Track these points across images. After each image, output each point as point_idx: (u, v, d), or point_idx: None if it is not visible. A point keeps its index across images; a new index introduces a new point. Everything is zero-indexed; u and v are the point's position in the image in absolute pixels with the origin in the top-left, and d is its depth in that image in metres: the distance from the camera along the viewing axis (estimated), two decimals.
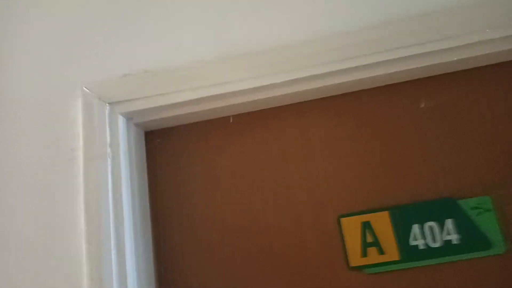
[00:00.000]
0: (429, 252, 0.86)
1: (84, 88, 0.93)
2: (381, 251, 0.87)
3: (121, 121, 0.93)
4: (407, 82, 0.94)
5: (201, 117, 0.98)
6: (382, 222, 0.88)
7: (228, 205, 0.94)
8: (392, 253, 0.86)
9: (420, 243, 0.86)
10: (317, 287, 0.86)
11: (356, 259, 0.87)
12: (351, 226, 0.89)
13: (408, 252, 0.86)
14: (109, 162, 0.88)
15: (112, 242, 0.83)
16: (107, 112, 0.92)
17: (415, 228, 0.87)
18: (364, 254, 0.87)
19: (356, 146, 0.95)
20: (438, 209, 0.88)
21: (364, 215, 0.89)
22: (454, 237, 0.86)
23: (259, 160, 0.96)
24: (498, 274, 0.83)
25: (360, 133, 0.95)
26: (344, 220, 0.89)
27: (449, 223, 0.87)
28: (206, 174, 0.96)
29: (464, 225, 0.86)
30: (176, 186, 0.97)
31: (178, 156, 0.98)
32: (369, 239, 0.88)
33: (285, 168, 0.95)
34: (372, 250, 0.87)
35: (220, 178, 0.96)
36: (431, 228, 0.87)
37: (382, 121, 0.95)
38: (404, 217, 0.88)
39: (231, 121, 0.99)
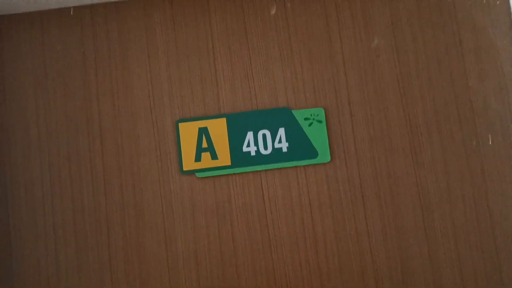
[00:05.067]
0: (260, 159, 0.90)
1: None
2: (215, 156, 0.90)
3: None
4: None
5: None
6: (218, 128, 0.90)
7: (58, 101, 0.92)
8: (225, 158, 0.90)
9: (252, 149, 0.90)
10: (149, 190, 0.90)
11: (189, 164, 0.89)
12: (188, 131, 0.90)
13: (240, 158, 0.90)
14: None
15: None
16: None
17: (250, 135, 0.90)
18: (198, 159, 0.90)
19: (199, 52, 0.93)
20: (273, 117, 0.91)
21: (201, 121, 0.90)
22: (284, 145, 0.90)
23: (100, 57, 0.93)
24: (323, 181, 0.90)
25: (205, 37, 0.93)
26: (182, 125, 0.90)
27: (281, 132, 0.90)
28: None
29: (295, 134, 0.90)
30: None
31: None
32: (205, 144, 0.90)
33: (125, 67, 0.92)
34: (206, 155, 0.90)
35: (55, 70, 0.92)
36: (264, 135, 0.90)
37: (228, 28, 0.93)
38: (241, 124, 0.90)
39: (71, 13, 0.93)
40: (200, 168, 0.89)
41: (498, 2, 0.94)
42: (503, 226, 0.89)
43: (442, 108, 0.92)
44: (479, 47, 0.94)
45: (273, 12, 0.94)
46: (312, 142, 0.90)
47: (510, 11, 0.94)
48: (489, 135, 0.91)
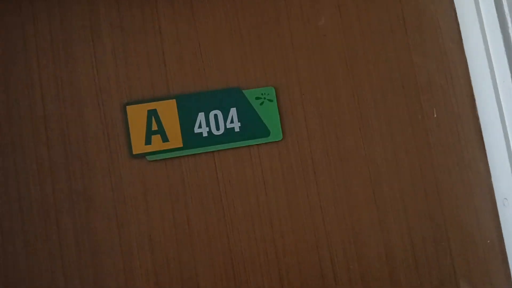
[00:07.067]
0: (212, 139, 0.89)
1: None
2: (165, 139, 0.88)
3: None
4: None
5: None
6: (168, 110, 0.89)
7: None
8: (176, 140, 0.88)
9: (204, 130, 0.89)
10: (98, 176, 0.87)
11: (139, 147, 0.88)
12: (137, 114, 0.88)
13: (192, 139, 0.89)
14: None
15: None
16: None
17: (201, 116, 0.90)
18: (148, 142, 0.88)
19: (146, 33, 0.91)
20: (224, 98, 0.90)
21: (150, 103, 0.89)
22: (236, 125, 0.90)
23: (42, 42, 0.89)
24: (276, 159, 0.91)
25: (151, 18, 0.91)
26: (130, 108, 0.88)
27: (233, 112, 0.90)
28: None
29: (247, 114, 0.90)
30: None
31: None
32: (154, 127, 0.88)
33: (69, 51, 0.89)
34: (156, 138, 0.88)
35: None
36: (216, 116, 0.90)
37: (175, 8, 0.92)
38: (191, 106, 0.89)
39: None
40: (150, 151, 0.88)
41: None
42: (449, 195, 0.93)
43: (388, 84, 0.94)
44: (422, 25, 0.97)
45: None
46: (264, 121, 0.91)
47: None
48: (434, 109, 0.95)
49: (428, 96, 0.95)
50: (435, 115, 0.95)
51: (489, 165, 0.93)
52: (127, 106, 0.88)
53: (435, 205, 0.92)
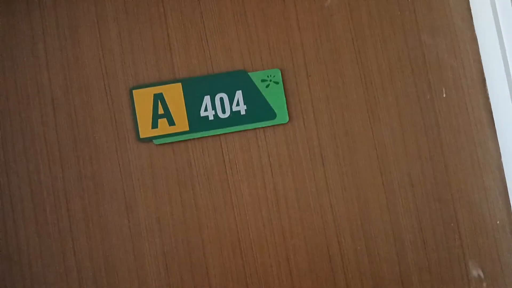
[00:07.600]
0: (218, 123, 0.89)
1: None
2: (172, 122, 0.89)
3: None
4: None
5: None
6: (174, 94, 0.89)
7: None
8: (182, 124, 0.89)
9: (210, 114, 0.89)
10: (106, 160, 0.88)
11: (146, 131, 0.88)
12: (143, 98, 0.89)
13: (198, 123, 0.89)
14: None
15: None
16: None
17: (207, 99, 0.90)
18: (155, 125, 0.89)
19: (150, 17, 0.91)
20: (230, 81, 0.90)
21: (156, 87, 0.89)
22: (242, 108, 0.90)
23: (48, 27, 0.90)
24: (282, 141, 0.91)
25: (156, 2, 0.91)
26: (136, 92, 0.89)
27: (239, 95, 0.90)
28: None
29: (253, 96, 0.90)
30: None
31: None
32: (161, 111, 0.89)
33: (75, 36, 0.89)
34: (163, 122, 0.89)
35: None
36: (221, 99, 0.90)
37: None
38: (197, 89, 0.89)
39: None
40: (157, 135, 0.88)
41: None
42: (458, 175, 0.92)
43: (396, 64, 0.93)
44: (431, 3, 0.95)
45: None
46: (270, 104, 0.90)
47: None
48: (443, 89, 0.93)
49: (438, 75, 0.93)
50: (445, 95, 0.93)
51: (499, 145, 0.92)
52: (133, 90, 0.89)
53: (444, 185, 0.91)
